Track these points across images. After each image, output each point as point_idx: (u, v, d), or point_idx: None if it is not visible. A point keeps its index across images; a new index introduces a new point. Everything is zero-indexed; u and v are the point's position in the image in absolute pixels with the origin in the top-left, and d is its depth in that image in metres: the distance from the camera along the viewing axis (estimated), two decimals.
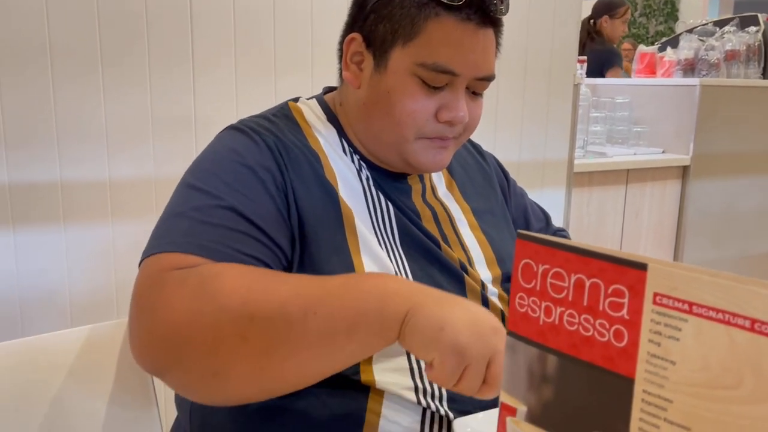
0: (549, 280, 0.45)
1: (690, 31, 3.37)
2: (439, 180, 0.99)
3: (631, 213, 2.85)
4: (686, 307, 0.38)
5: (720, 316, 0.37)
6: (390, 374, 0.78)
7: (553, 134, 2.19)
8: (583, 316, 0.43)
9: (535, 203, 1.15)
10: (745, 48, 3.15)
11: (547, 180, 2.22)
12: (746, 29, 3.21)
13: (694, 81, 2.93)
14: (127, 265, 1.50)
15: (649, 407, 0.40)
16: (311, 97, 0.97)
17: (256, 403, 0.76)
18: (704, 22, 3.72)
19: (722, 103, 2.97)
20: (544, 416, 0.46)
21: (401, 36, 0.82)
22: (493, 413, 0.72)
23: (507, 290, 0.93)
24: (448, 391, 0.79)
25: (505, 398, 0.49)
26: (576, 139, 2.29)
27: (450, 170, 1.01)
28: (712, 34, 3.25)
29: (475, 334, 0.62)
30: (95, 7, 1.42)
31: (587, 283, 0.43)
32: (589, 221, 2.72)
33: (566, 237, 1.16)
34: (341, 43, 0.90)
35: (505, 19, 0.86)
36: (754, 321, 0.36)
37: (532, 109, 2.13)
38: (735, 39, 3.15)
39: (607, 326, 0.42)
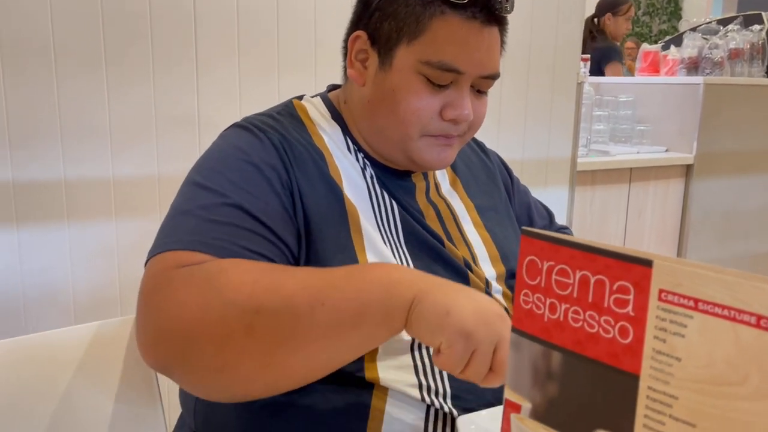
0: (554, 276, 0.45)
1: (694, 29, 3.36)
2: (442, 177, 0.99)
3: (634, 212, 2.85)
4: (692, 303, 0.38)
5: (725, 312, 0.37)
6: (394, 371, 0.78)
7: (556, 132, 2.19)
8: (588, 312, 0.43)
9: (539, 201, 1.15)
10: (748, 46, 3.14)
11: (550, 178, 2.22)
12: (750, 27, 3.21)
13: (697, 79, 2.92)
14: (130, 262, 1.51)
15: (655, 404, 0.40)
16: (315, 95, 0.97)
17: (260, 399, 0.76)
18: (708, 20, 3.71)
19: (726, 102, 2.96)
20: (549, 413, 0.46)
21: (406, 34, 0.82)
22: (498, 410, 0.72)
23: (511, 287, 0.93)
24: (452, 388, 0.79)
25: (509, 395, 0.49)
26: (579, 137, 2.29)
27: (454, 168, 1.01)
28: (715, 32, 3.24)
29: (481, 319, 0.62)
30: (99, 7, 1.42)
31: (592, 280, 0.43)
32: (592, 220, 2.72)
33: (570, 235, 1.16)
34: (346, 40, 0.90)
35: (509, 16, 0.86)
36: (759, 317, 0.36)
37: (535, 107, 2.12)
38: (739, 37, 3.14)
39: (612, 323, 0.42)
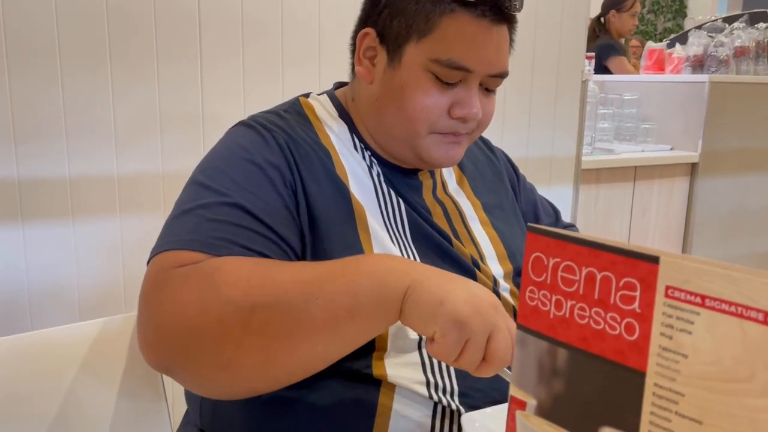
0: (560, 273, 0.45)
1: (699, 27, 3.35)
2: (449, 176, 0.99)
3: (639, 210, 2.84)
4: (698, 300, 0.38)
5: (733, 309, 0.37)
6: (402, 368, 0.78)
7: (560, 131, 2.19)
8: (594, 309, 0.43)
9: (545, 198, 1.15)
10: (754, 44, 3.13)
11: (555, 177, 2.22)
12: (756, 25, 3.19)
13: (703, 77, 2.91)
14: (135, 260, 1.51)
15: (661, 401, 0.40)
16: (322, 93, 0.96)
17: (267, 396, 0.76)
18: (713, 18, 3.70)
19: (731, 100, 2.95)
20: (554, 410, 0.46)
21: (415, 31, 0.82)
22: (502, 408, 0.72)
23: (518, 285, 0.93)
24: (459, 385, 0.79)
25: (514, 392, 0.49)
26: (583, 135, 2.28)
27: (460, 166, 1.01)
28: (721, 30, 3.23)
29: (475, 308, 0.63)
30: (103, 4, 1.42)
31: (598, 277, 0.43)
32: (597, 218, 2.72)
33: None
34: (354, 37, 0.90)
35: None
36: (767, 314, 0.35)
37: (540, 105, 2.12)
38: (744, 35, 3.13)
39: (619, 319, 0.42)
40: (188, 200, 0.78)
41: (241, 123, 0.88)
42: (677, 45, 3.23)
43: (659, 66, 3.28)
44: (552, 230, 0.46)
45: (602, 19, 3.98)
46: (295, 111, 0.91)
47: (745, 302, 0.36)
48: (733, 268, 0.37)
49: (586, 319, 0.44)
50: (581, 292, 0.44)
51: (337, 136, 0.89)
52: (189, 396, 0.91)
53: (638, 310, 0.41)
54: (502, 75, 0.86)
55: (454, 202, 0.95)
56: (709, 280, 0.38)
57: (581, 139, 2.26)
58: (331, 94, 0.96)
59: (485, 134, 1.06)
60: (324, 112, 0.92)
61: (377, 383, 0.78)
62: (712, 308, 0.38)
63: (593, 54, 2.96)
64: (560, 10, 2.09)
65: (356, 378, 0.77)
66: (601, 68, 3.77)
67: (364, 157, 0.89)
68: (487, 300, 0.64)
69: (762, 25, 3.20)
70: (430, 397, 0.78)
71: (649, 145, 3.01)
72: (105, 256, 1.50)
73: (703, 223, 2.98)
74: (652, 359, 0.40)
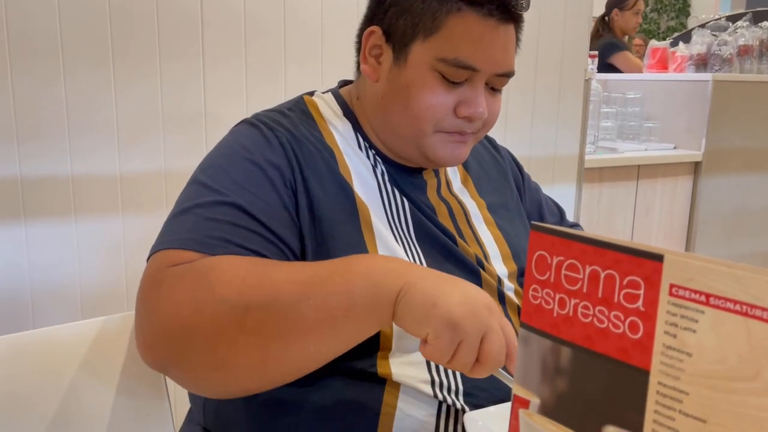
0: (563, 271, 0.45)
1: (702, 25, 3.35)
2: (454, 175, 0.99)
3: (642, 209, 2.84)
4: (703, 298, 0.38)
5: (737, 307, 0.37)
6: (407, 367, 0.78)
7: (563, 129, 2.18)
8: (598, 307, 0.43)
9: (550, 198, 1.14)
10: (758, 43, 3.12)
11: (558, 176, 2.21)
12: (759, 24, 3.19)
13: (706, 76, 2.90)
14: (137, 258, 1.51)
15: (665, 399, 0.40)
16: (327, 91, 0.96)
17: (271, 394, 0.76)
18: (717, 16, 3.69)
19: (735, 99, 2.94)
20: (558, 409, 0.46)
21: (422, 30, 0.82)
22: (505, 407, 0.72)
23: (523, 285, 0.92)
24: (464, 385, 0.79)
25: (518, 390, 0.49)
26: (587, 134, 2.28)
27: (465, 165, 1.01)
28: (724, 29, 3.22)
29: (468, 310, 0.63)
30: (106, 3, 1.42)
31: (602, 275, 0.43)
32: (600, 217, 2.71)
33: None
34: (360, 35, 0.90)
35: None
36: None
37: (543, 104, 2.12)
38: (748, 34, 3.12)
39: (622, 318, 0.42)
40: (188, 199, 0.78)
41: (245, 121, 0.88)
42: (680, 44, 3.22)
43: (662, 65, 3.27)
44: (556, 228, 0.46)
45: (606, 19, 3.98)
46: (300, 109, 0.91)
47: (750, 301, 0.36)
48: (737, 267, 0.37)
49: (590, 318, 0.44)
50: (585, 290, 0.44)
51: (341, 134, 0.89)
52: (192, 394, 0.91)
53: (642, 309, 0.41)
54: (509, 74, 0.86)
55: (459, 202, 0.95)
56: (714, 279, 0.38)
57: (584, 138, 2.25)
58: (335, 93, 0.95)
59: (489, 133, 1.05)
60: (328, 110, 0.92)
61: (382, 382, 0.78)
62: (717, 307, 0.37)
63: (596, 52, 2.95)
64: (563, 8, 2.09)
65: (361, 377, 0.77)
66: (605, 67, 3.76)
67: (368, 156, 0.89)
68: (480, 301, 0.64)
69: (766, 23, 3.19)
70: (435, 396, 0.78)
71: (653, 144, 3.00)
72: (107, 254, 1.50)
73: (707, 222, 2.98)
74: (656, 358, 0.40)
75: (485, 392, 0.79)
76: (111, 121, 1.46)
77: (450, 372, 0.79)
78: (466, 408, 0.78)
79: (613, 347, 0.42)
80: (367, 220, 0.83)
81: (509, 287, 0.91)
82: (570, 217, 2.28)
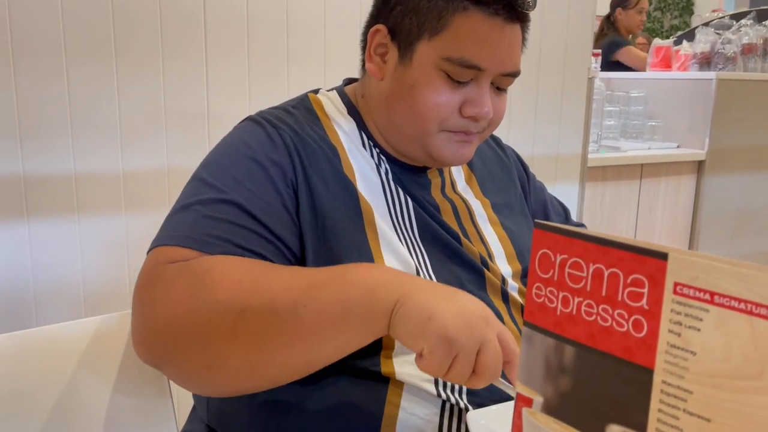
0: (567, 270, 0.45)
1: (706, 24, 3.34)
2: (458, 174, 0.98)
3: (645, 208, 2.83)
4: (707, 296, 0.38)
5: (742, 305, 0.36)
6: (410, 366, 0.78)
7: (566, 128, 2.18)
8: (602, 306, 0.43)
9: (555, 197, 1.14)
10: (762, 42, 3.11)
11: (561, 174, 2.21)
12: (763, 22, 3.18)
13: (710, 75, 2.90)
14: (140, 256, 1.50)
15: (669, 398, 0.40)
16: (331, 89, 0.96)
17: (274, 393, 0.76)
18: (720, 15, 3.68)
19: (739, 98, 2.94)
20: (561, 407, 0.46)
21: (427, 29, 0.82)
22: (507, 406, 0.71)
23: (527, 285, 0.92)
24: None
25: (521, 389, 0.48)
26: (590, 133, 2.27)
27: (470, 165, 1.00)
28: (728, 27, 3.21)
29: (464, 323, 0.62)
30: (109, 1, 1.42)
31: (606, 273, 0.43)
32: (603, 216, 2.71)
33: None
34: (365, 34, 0.89)
35: None
36: None
37: (546, 102, 2.11)
38: (752, 32, 3.11)
39: (626, 316, 0.42)
40: (188, 195, 0.79)
41: (249, 119, 0.88)
42: (684, 42, 3.21)
43: (666, 63, 3.26)
44: (559, 226, 0.46)
45: (611, 18, 3.99)
46: (304, 107, 0.90)
47: (755, 299, 0.36)
48: (742, 265, 0.37)
49: (594, 316, 0.43)
50: (588, 288, 0.44)
51: (345, 133, 0.89)
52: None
53: (646, 307, 0.41)
54: (514, 74, 0.85)
55: (463, 201, 0.95)
56: (718, 277, 0.37)
57: (587, 137, 2.25)
58: (340, 91, 0.95)
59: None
60: (333, 108, 0.92)
61: (385, 381, 0.77)
62: (721, 305, 0.37)
63: (599, 51, 2.94)
64: (566, 7, 2.08)
65: (364, 376, 0.77)
66: (609, 65, 3.76)
67: (372, 155, 0.89)
68: (476, 312, 0.64)
69: None
70: (438, 394, 0.77)
71: (656, 142, 2.99)
72: (110, 252, 1.50)
73: (710, 220, 2.97)
74: (660, 356, 0.40)
75: (489, 391, 0.79)
76: (114, 120, 1.46)
77: None
78: (470, 407, 0.78)
79: (617, 346, 0.42)
80: (371, 219, 0.82)
81: (513, 287, 0.90)
82: (573, 216, 2.28)
